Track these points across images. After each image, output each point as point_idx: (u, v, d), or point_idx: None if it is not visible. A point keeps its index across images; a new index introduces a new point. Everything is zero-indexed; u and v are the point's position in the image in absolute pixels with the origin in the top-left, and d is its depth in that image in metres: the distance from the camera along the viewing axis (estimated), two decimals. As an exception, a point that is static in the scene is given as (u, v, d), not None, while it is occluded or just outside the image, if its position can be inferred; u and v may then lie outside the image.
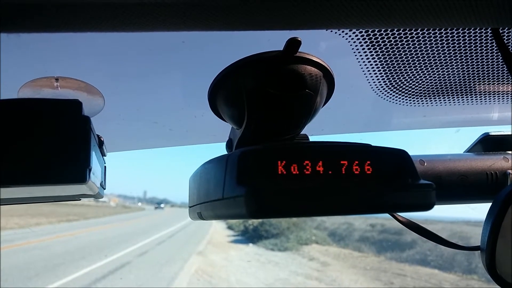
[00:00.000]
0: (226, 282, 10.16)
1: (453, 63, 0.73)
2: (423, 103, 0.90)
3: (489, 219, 0.67)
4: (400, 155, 0.45)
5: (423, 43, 0.66)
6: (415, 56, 0.71)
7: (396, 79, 0.78)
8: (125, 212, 47.47)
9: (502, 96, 0.87)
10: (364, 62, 0.72)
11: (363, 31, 0.62)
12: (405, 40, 0.65)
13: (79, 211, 32.58)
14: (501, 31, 0.60)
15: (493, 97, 0.88)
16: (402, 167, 0.44)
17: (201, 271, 10.81)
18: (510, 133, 0.83)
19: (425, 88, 0.83)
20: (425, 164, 0.76)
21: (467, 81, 0.80)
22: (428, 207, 0.42)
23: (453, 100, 0.89)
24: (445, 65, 0.74)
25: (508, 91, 0.85)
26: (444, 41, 0.66)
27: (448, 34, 0.64)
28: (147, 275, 9.96)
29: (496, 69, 0.76)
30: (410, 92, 0.84)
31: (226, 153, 0.57)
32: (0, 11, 0.30)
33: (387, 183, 0.43)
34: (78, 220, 27.60)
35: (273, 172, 0.40)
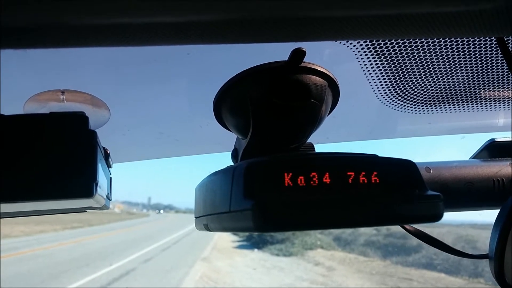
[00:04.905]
0: (231, 288, 10.15)
1: (458, 71, 0.73)
2: (428, 111, 0.89)
3: (497, 227, 0.66)
4: (406, 165, 0.44)
5: (428, 51, 0.66)
6: (420, 64, 0.70)
7: (401, 87, 0.78)
8: (130, 219, 47.45)
9: (507, 102, 0.87)
10: (368, 70, 0.72)
11: (368, 40, 0.62)
12: (409, 48, 0.65)
13: (84, 218, 32.57)
14: (506, 39, 0.60)
15: (498, 103, 0.87)
16: (409, 178, 0.44)
17: (206, 277, 10.79)
18: None
19: (430, 96, 0.83)
20: (431, 171, 0.75)
21: (472, 88, 0.80)
22: (436, 218, 0.42)
23: (459, 107, 0.88)
24: (450, 72, 0.74)
25: None
26: (449, 49, 0.66)
27: (453, 42, 0.64)
28: (152, 282, 9.94)
29: (501, 76, 0.75)
30: (415, 100, 0.84)
31: (232, 162, 0.57)
32: (7, 29, 0.30)
33: (394, 194, 0.42)
34: (83, 227, 27.63)
35: (280, 184, 0.40)
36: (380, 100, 0.83)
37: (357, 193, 0.41)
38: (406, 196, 0.42)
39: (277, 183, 0.40)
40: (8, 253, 13.04)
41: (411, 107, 0.87)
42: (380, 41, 0.62)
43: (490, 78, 0.76)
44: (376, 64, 0.70)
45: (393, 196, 0.42)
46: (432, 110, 0.89)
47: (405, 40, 0.63)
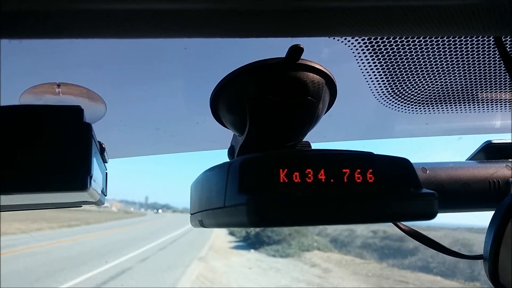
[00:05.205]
0: (227, 288, 10.15)
1: (455, 71, 0.73)
2: (425, 111, 0.89)
3: (492, 228, 0.66)
4: (402, 163, 0.44)
5: (425, 50, 0.66)
6: (418, 64, 0.70)
7: (398, 86, 0.78)
8: (126, 218, 47.35)
9: (505, 104, 0.87)
10: (366, 69, 0.72)
11: (366, 38, 0.62)
12: (407, 47, 0.65)
13: (81, 217, 32.49)
14: (503, 39, 0.60)
15: (495, 105, 0.87)
16: (405, 176, 0.44)
17: (203, 277, 10.77)
18: None
19: (427, 96, 0.83)
20: (428, 172, 0.75)
21: (470, 88, 0.80)
22: (430, 216, 0.42)
23: (456, 107, 0.88)
24: (447, 72, 0.74)
25: (511, 99, 0.85)
26: (446, 48, 0.66)
27: (451, 41, 0.64)
28: (148, 281, 9.93)
29: (498, 77, 0.75)
30: (413, 100, 0.84)
31: (228, 160, 0.57)
32: (1, 17, 0.30)
33: (389, 192, 0.42)
34: (80, 225, 27.55)
35: (275, 180, 0.40)
36: (378, 99, 0.83)
37: (352, 190, 0.41)
38: (400, 193, 0.42)
39: (272, 179, 0.40)
40: (5, 250, 13.00)
41: (409, 107, 0.87)
42: (378, 39, 0.62)
43: (487, 79, 0.76)
44: (374, 63, 0.70)
45: (388, 194, 0.42)
46: (429, 111, 0.89)
47: (403, 39, 0.62)
